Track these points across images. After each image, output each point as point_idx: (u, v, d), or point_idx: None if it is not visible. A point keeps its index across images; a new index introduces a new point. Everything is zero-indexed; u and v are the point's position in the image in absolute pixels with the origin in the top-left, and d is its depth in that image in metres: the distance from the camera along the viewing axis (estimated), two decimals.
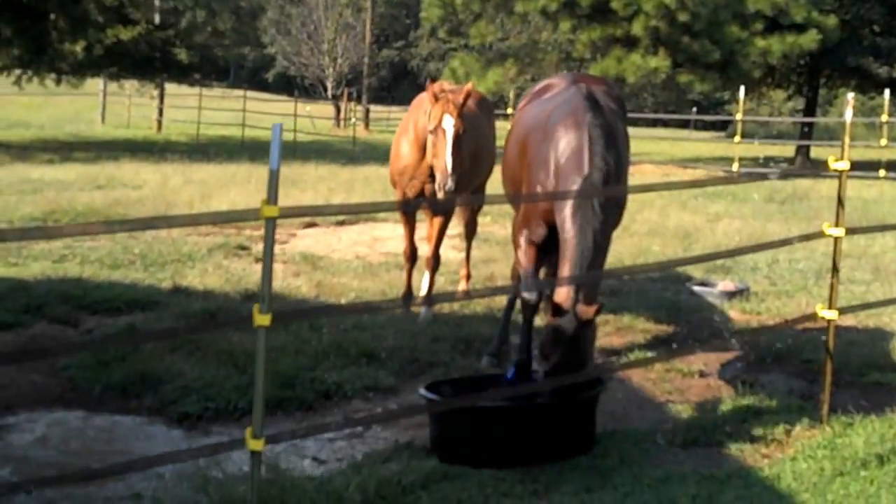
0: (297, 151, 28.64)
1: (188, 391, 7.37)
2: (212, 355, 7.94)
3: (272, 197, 4.73)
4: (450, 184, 8.27)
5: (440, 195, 8.44)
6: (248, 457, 4.89)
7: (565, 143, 6.67)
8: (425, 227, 10.09)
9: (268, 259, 4.81)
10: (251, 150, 28.79)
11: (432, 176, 8.89)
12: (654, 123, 52.63)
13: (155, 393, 7.46)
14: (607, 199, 6.56)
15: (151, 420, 7.20)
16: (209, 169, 22.74)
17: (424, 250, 9.72)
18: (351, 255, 12.94)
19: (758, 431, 6.74)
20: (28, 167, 22.71)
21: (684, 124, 52.90)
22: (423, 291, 9.68)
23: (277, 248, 12.95)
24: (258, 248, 12.94)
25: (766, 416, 6.97)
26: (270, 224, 4.75)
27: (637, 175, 26.36)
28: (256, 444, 4.72)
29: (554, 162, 6.72)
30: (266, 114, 34.26)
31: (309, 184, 19.88)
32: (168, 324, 9.15)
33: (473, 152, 9.08)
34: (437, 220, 9.45)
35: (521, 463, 6.22)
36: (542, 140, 6.98)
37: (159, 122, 36.66)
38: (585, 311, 6.19)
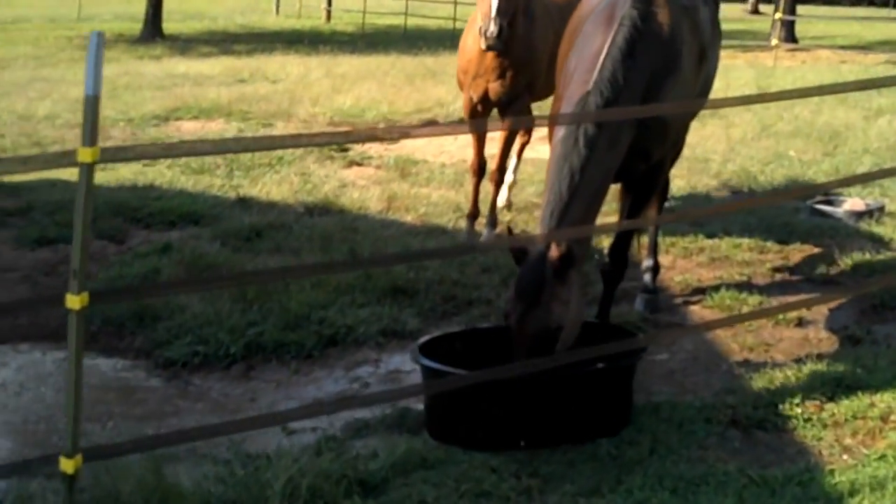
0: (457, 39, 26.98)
1: (182, 331, 6.28)
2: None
3: (88, 135, 3.36)
4: (492, 28, 6.87)
5: (482, 45, 7.03)
6: None
7: (588, 45, 5.08)
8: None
9: (82, 213, 3.44)
10: (411, 40, 27.36)
11: (498, 73, 7.40)
12: (856, 2, 48.49)
13: (150, 332, 6.36)
14: (649, 122, 4.95)
15: (135, 365, 6.10)
16: (355, 61, 21.49)
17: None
18: (456, 159, 11.47)
19: (848, 411, 5.05)
20: (180, 61, 22.06)
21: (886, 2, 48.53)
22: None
23: (382, 150, 11.69)
24: (361, 149, 11.71)
25: (865, 390, 5.25)
26: (86, 171, 3.40)
27: (809, 62, 23.73)
28: (68, 465, 3.43)
29: (573, 69, 5.13)
30: (433, 2, 32.73)
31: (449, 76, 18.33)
32: (206, 242, 8.04)
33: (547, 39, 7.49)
34: (505, 125, 7.85)
35: (526, 446, 4.82)
36: (572, 37, 5.39)
37: (328, 12, 35.48)
38: (551, 256, 4.67)
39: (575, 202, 4.81)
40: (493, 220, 8.01)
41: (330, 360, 5.97)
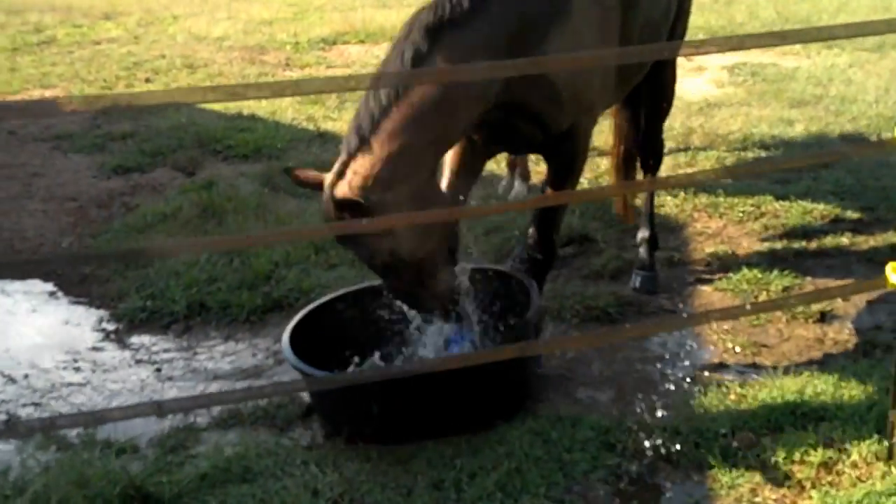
0: None
1: (146, 283, 5.81)
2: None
3: None
4: None
5: None
6: None
7: None
8: None
9: None
10: None
11: None
12: None
13: (121, 280, 5.97)
14: (532, 77, 3.86)
15: (88, 315, 5.71)
16: None
17: None
18: None
19: (785, 452, 3.89)
20: None
21: None
22: None
23: None
24: None
25: (828, 422, 4.05)
26: None
27: None
28: None
29: None
30: None
31: None
32: (251, 180, 7.59)
33: None
34: None
35: (412, 438, 4.12)
36: None
37: None
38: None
39: (376, 144, 3.73)
40: (524, 173, 7.00)
41: (267, 326, 5.32)
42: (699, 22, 13.47)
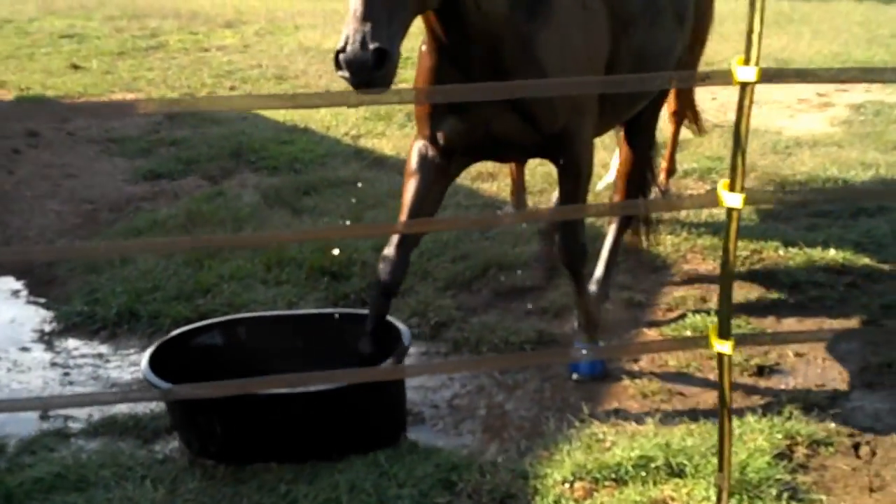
0: None
1: (96, 287, 6.15)
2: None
3: None
4: None
5: None
6: None
7: None
8: None
9: None
10: None
11: None
12: None
13: (74, 284, 6.34)
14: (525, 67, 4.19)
15: (35, 316, 6.08)
16: None
17: None
18: None
19: None
20: None
21: None
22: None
23: None
24: None
25: (687, 480, 3.94)
26: None
27: None
28: None
29: None
30: None
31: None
32: (255, 192, 7.88)
33: None
34: None
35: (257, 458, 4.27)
36: None
37: None
38: None
39: None
40: (520, 203, 7.00)
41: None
42: (863, 56, 13.19)
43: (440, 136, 4.45)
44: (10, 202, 8.06)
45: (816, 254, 6.26)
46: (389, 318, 4.57)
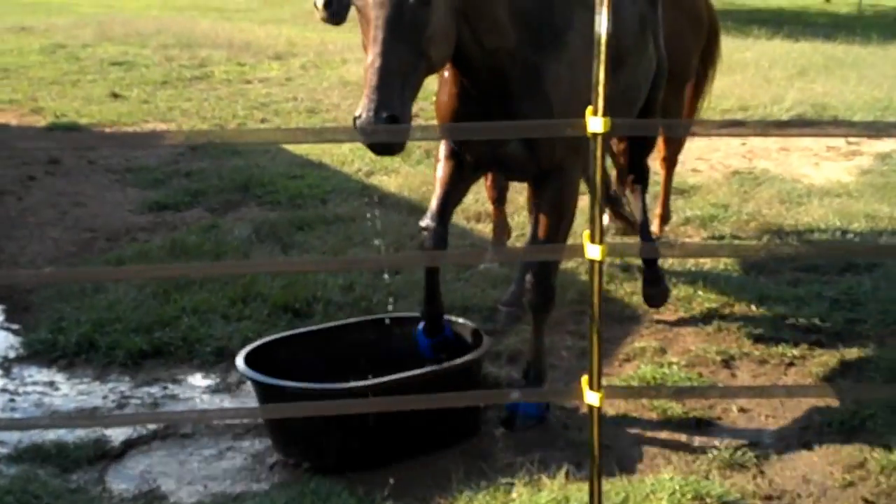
0: None
1: (63, 316, 6.33)
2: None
3: None
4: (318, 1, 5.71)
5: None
6: None
7: None
8: None
9: None
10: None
11: None
12: None
13: (46, 312, 6.53)
14: (529, 92, 4.58)
15: (2, 342, 6.26)
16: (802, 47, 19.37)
17: None
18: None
19: None
20: None
21: None
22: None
23: None
24: None
25: None
26: None
27: None
28: None
29: None
30: None
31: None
32: (248, 227, 8.03)
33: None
34: None
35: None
36: None
37: None
38: None
39: None
40: (498, 242, 7.06)
41: (139, 372, 5.68)
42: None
43: (455, 144, 4.87)
44: (13, 228, 8.32)
45: (789, 310, 6.22)
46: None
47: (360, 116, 3.71)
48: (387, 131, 3.70)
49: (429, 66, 4.03)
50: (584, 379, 3.53)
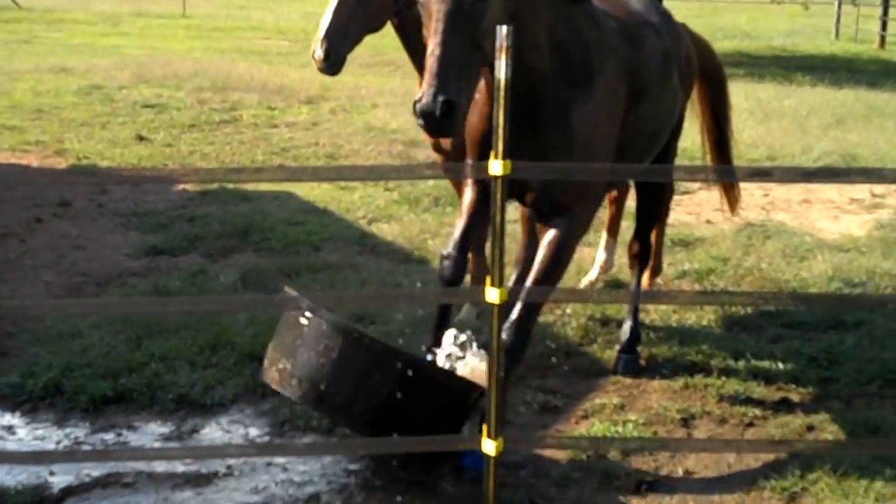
0: None
1: (37, 359, 6.44)
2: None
3: None
4: (318, 52, 6.15)
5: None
6: None
7: None
8: None
9: None
10: None
11: None
12: None
13: (26, 355, 6.66)
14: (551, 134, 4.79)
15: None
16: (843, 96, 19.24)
17: None
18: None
19: None
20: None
21: None
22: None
23: None
24: None
25: None
26: None
27: None
28: None
29: None
30: None
31: None
32: (235, 274, 8.13)
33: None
34: None
35: None
36: None
37: (882, 38, 32.52)
38: None
39: None
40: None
41: (99, 418, 5.75)
42: None
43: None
44: (9, 270, 8.49)
45: (763, 367, 6.16)
46: None
47: (419, 100, 4.00)
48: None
49: (484, 58, 4.22)
50: (485, 428, 3.53)
